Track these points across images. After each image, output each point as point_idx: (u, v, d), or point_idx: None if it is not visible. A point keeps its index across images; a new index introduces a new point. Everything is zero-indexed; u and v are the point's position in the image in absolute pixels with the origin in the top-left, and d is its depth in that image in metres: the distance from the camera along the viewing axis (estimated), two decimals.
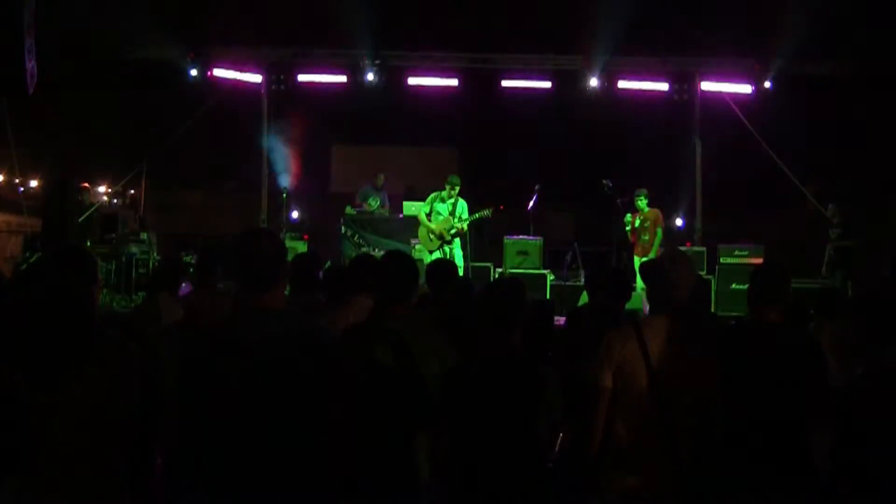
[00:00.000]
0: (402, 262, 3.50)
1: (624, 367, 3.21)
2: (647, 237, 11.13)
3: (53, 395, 2.61)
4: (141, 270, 11.28)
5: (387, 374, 3.17)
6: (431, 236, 10.75)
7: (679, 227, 12.92)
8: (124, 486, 2.79)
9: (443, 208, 10.67)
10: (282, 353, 2.58)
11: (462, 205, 10.70)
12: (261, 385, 2.54)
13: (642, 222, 11.21)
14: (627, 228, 11.41)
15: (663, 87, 12.97)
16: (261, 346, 2.57)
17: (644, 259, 10.80)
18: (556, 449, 3.19)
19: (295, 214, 13.80)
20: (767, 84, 12.81)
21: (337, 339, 2.79)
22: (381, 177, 13.03)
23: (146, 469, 2.92)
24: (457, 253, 10.80)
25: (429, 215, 10.66)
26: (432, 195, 10.74)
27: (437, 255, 10.64)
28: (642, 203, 11.27)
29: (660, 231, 11.13)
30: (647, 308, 3.71)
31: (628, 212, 11.45)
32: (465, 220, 10.63)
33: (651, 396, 3.16)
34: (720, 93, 13.08)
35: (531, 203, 11.63)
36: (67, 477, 2.62)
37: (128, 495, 2.80)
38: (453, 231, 10.64)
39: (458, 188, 10.64)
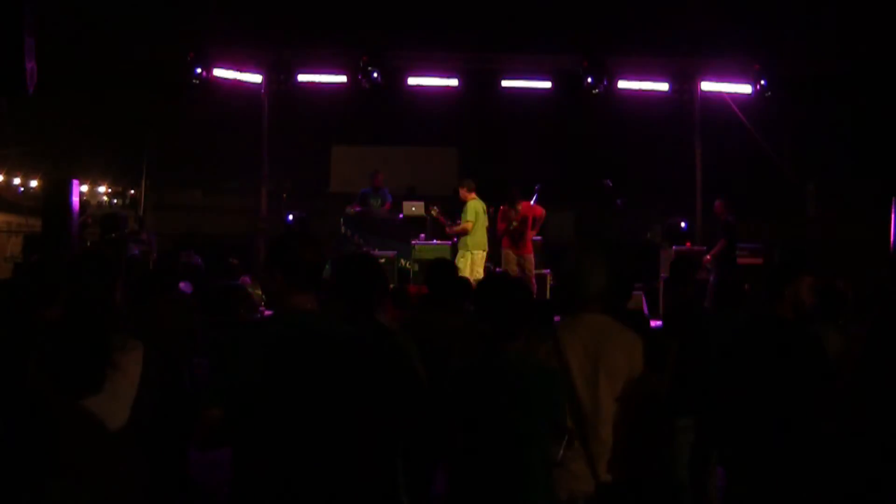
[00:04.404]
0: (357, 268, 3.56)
1: None
2: (524, 232, 10.48)
3: (81, 399, 2.74)
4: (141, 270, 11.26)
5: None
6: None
7: (683, 228, 12.88)
8: (147, 486, 2.98)
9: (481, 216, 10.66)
10: (318, 348, 2.67)
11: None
12: (298, 376, 2.62)
13: (523, 220, 10.51)
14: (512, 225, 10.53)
15: (663, 87, 12.94)
16: (296, 339, 2.65)
17: (522, 255, 10.47)
18: (561, 450, 3.20)
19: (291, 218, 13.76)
20: (766, 84, 12.79)
21: (372, 340, 2.83)
22: (379, 175, 12.83)
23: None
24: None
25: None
26: None
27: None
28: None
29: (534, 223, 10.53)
30: (646, 308, 3.72)
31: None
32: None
33: (579, 393, 3.27)
34: (720, 93, 13.06)
35: (531, 203, 11.62)
36: (104, 477, 2.77)
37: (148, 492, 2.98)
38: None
39: (469, 190, 10.48)
